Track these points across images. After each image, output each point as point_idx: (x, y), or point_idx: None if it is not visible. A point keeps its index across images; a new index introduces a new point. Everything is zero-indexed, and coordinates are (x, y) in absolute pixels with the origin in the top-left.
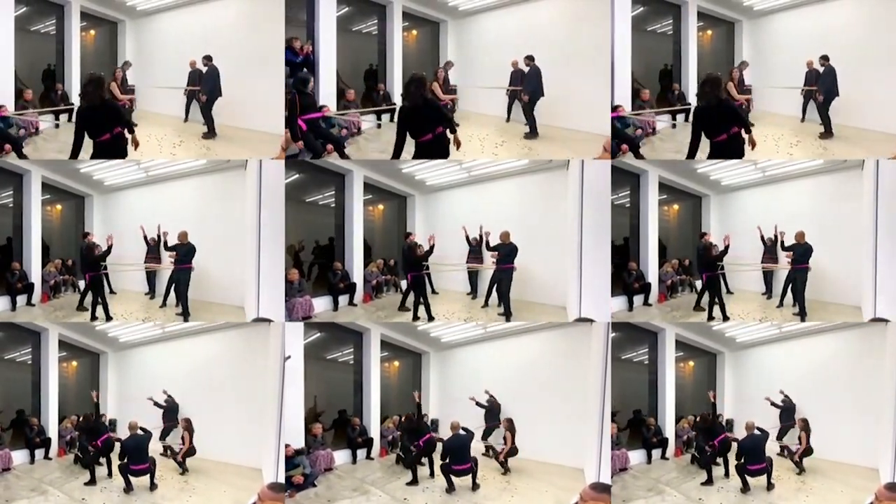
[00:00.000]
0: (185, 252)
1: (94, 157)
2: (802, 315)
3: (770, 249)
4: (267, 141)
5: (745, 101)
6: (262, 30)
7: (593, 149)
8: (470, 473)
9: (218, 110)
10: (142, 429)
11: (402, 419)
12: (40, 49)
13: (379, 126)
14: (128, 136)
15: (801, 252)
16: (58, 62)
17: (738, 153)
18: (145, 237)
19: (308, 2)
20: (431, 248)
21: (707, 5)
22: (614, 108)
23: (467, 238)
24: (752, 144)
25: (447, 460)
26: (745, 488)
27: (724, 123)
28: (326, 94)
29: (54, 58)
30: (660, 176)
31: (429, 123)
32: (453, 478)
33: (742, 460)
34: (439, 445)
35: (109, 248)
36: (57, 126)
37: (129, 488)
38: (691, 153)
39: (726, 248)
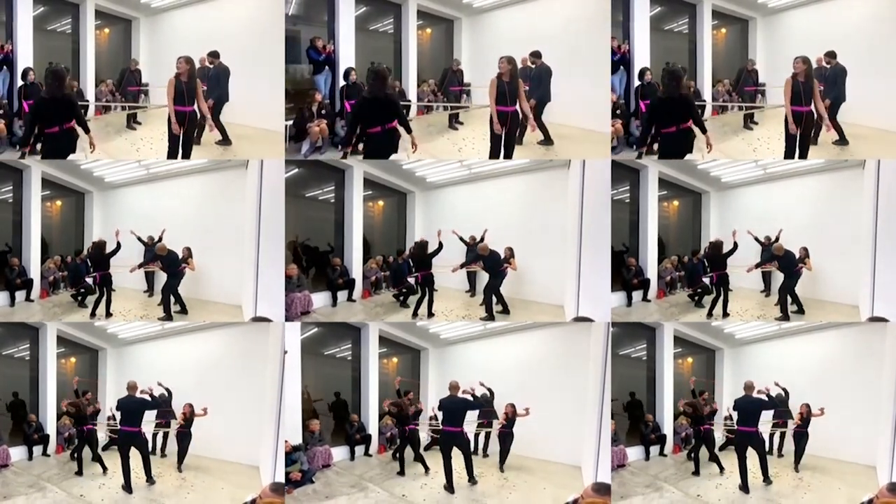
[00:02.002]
0: (168, 262)
1: (43, 151)
2: (786, 317)
3: (768, 249)
4: (269, 140)
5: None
6: (269, 26)
7: (597, 149)
8: (460, 441)
9: (230, 109)
10: (151, 396)
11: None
12: (57, 48)
13: None
14: (84, 135)
15: (785, 263)
16: (73, 60)
17: (687, 149)
18: (140, 239)
19: (329, 2)
20: (440, 245)
21: (721, 3)
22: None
23: (462, 240)
24: (709, 147)
25: (441, 420)
26: (744, 485)
27: (676, 117)
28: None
29: (69, 56)
30: (660, 172)
31: (381, 117)
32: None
33: (735, 422)
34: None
35: (118, 245)
36: None
37: (128, 486)
38: (642, 142)
39: (735, 245)
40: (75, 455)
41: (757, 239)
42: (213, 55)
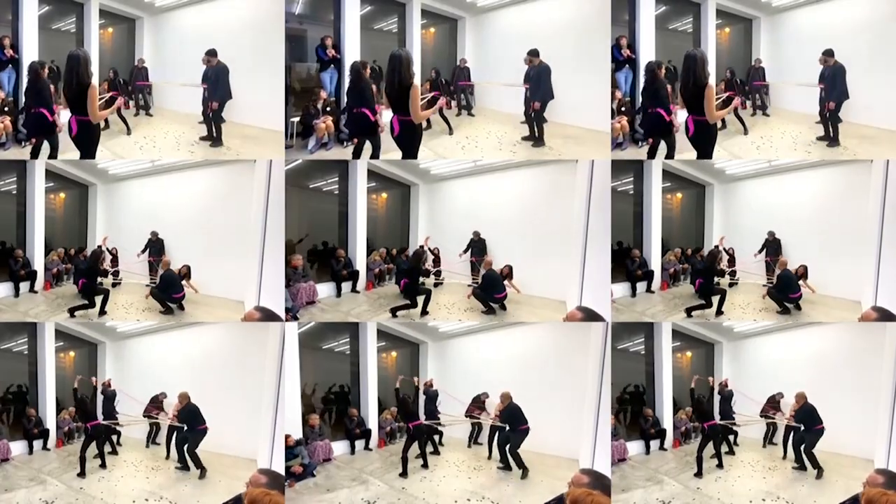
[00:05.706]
0: (167, 281)
1: None
2: (786, 310)
3: (772, 247)
4: (270, 139)
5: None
6: (272, 25)
7: (598, 147)
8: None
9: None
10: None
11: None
12: (61, 47)
13: None
14: None
15: (788, 280)
16: None
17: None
18: (145, 249)
19: (335, 2)
20: (438, 272)
21: (725, 2)
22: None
23: (465, 252)
24: None
25: (510, 426)
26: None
27: None
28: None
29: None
30: (663, 164)
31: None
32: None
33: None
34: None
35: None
36: None
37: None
38: None
39: (733, 272)
40: (102, 452)
41: (760, 250)
42: (211, 53)
